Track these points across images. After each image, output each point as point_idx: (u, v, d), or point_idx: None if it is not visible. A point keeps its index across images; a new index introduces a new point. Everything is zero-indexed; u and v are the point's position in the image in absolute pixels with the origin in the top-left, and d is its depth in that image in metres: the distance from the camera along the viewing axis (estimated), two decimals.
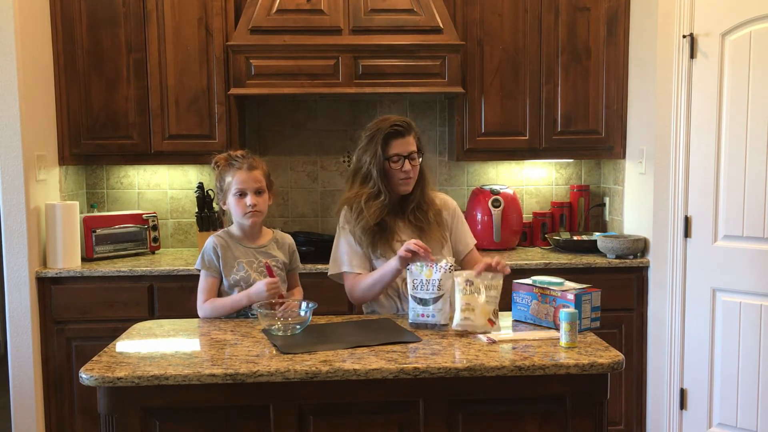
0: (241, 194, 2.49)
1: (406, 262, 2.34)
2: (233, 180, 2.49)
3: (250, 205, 2.48)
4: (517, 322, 2.39)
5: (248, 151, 2.58)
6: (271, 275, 2.47)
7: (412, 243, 2.31)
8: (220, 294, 2.55)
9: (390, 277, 2.44)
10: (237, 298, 2.48)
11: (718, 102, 3.24)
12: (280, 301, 2.40)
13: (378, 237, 2.50)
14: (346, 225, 2.56)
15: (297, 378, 1.91)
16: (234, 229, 2.60)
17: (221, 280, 2.54)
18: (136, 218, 3.77)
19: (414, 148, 2.50)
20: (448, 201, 2.69)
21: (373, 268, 2.54)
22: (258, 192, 2.51)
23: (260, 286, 2.42)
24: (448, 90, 3.56)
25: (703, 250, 3.34)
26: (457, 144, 3.76)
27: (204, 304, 2.52)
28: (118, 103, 3.60)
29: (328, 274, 2.62)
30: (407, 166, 2.48)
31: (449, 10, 3.61)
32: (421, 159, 2.53)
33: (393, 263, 2.40)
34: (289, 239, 2.67)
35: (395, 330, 2.29)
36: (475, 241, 2.70)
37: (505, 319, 2.39)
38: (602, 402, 2.03)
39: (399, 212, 2.57)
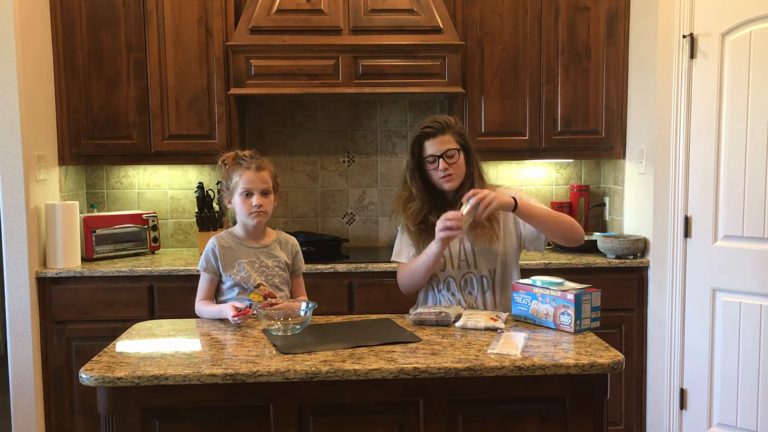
0: (248, 194, 2.50)
1: (447, 242, 2.39)
2: (240, 179, 2.50)
3: (256, 206, 2.49)
4: (517, 321, 2.39)
5: (256, 151, 2.58)
6: (270, 295, 2.46)
7: (443, 221, 2.34)
8: (219, 293, 2.57)
9: (431, 260, 2.46)
10: (217, 310, 2.46)
11: (718, 102, 3.24)
12: (272, 301, 2.41)
13: (424, 236, 2.53)
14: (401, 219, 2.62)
15: (297, 378, 1.91)
16: (237, 229, 2.60)
17: (219, 281, 2.56)
18: (136, 218, 3.77)
19: (451, 145, 2.49)
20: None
21: None
22: (264, 193, 2.51)
23: (227, 311, 2.37)
24: (448, 90, 3.56)
25: (703, 250, 3.34)
26: None
27: (197, 303, 2.56)
28: (118, 103, 3.60)
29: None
30: (443, 164, 2.48)
31: (449, 10, 3.61)
32: (464, 155, 2.52)
33: (433, 247, 2.43)
34: (293, 240, 2.68)
35: (395, 330, 2.29)
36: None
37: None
38: (602, 402, 2.03)
39: (449, 209, 2.54)
